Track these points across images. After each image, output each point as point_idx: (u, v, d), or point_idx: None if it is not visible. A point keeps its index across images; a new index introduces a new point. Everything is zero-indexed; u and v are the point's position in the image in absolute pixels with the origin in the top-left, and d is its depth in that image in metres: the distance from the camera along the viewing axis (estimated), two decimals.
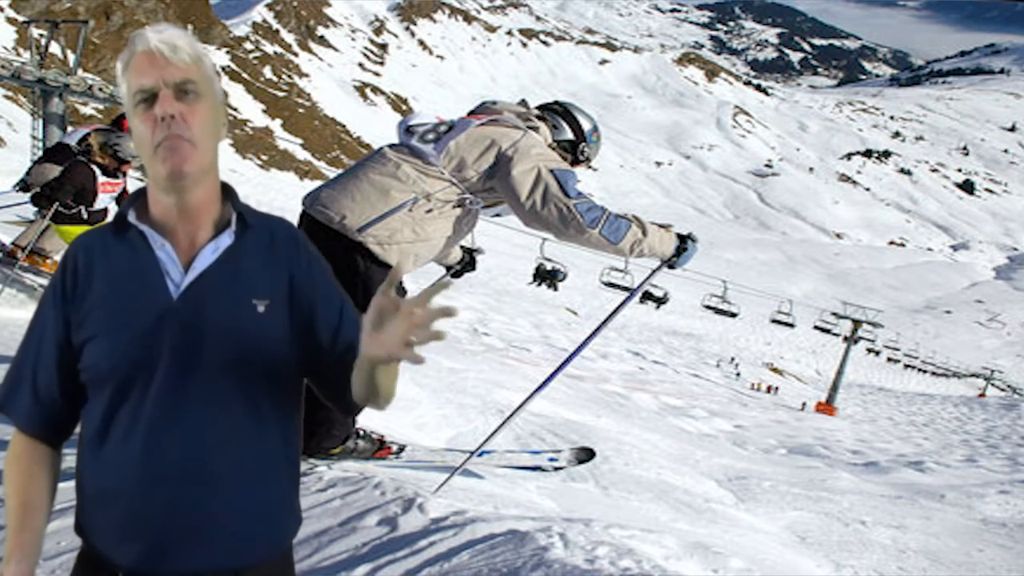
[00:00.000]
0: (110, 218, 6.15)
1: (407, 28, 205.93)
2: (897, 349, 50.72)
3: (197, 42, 1.15)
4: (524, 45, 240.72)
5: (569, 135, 3.25)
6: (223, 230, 1.17)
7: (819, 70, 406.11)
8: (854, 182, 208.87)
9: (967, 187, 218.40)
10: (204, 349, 1.11)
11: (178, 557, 1.11)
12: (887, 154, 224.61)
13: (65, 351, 1.14)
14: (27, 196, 6.40)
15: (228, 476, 1.13)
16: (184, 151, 1.09)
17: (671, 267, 3.18)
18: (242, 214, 1.19)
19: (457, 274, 4.11)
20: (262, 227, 1.21)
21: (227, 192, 1.20)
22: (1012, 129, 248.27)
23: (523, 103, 3.24)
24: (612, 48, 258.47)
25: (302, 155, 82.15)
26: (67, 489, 1.18)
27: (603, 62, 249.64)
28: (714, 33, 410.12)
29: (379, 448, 3.49)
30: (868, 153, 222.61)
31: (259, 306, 1.15)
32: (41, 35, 11.38)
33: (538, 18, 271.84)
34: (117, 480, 1.10)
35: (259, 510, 1.17)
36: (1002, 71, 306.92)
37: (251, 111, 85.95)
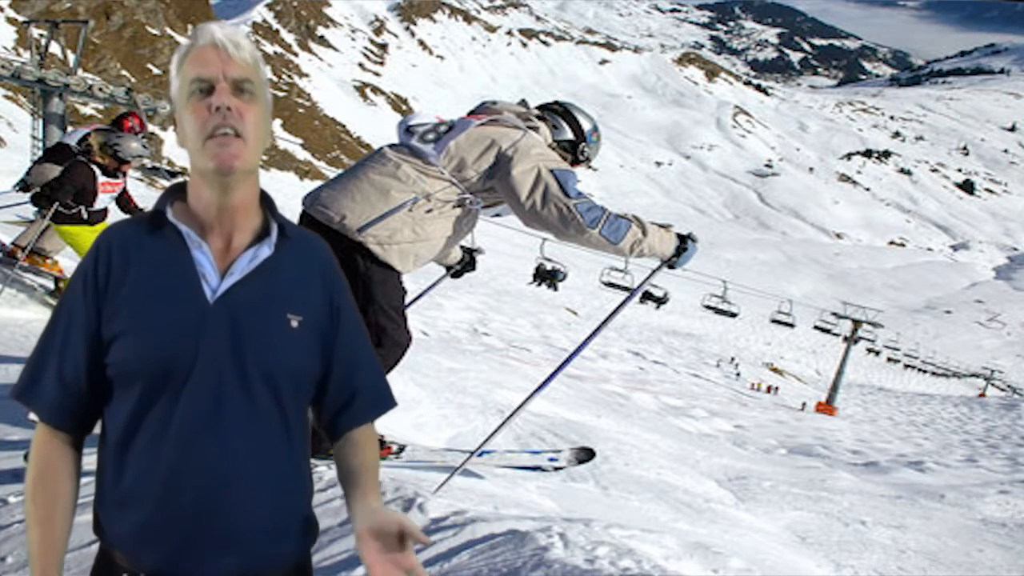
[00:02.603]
0: (110, 218, 6.15)
1: (407, 28, 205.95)
2: (897, 349, 50.73)
3: (256, 49, 1.14)
4: (524, 45, 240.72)
5: (569, 135, 3.24)
6: (262, 239, 1.16)
7: (819, 70, 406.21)
8: (854, 182, 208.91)
9: (967, 187, 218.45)
10: (237, 357, 1.10)
11: (201, 563, 1.11)
12: (887, 154, 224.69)
13: (95, 342, 1.12)
14: (27, 196, 6.40)
15: (255, 485, 1.13)
16: (235, 147, 1.08)
17: (671, 267, 3.17)
18: (283, 226, 1.18)
19: (457, 274, 4.10)
20: (300, 244, 1.21)
21: (266, 201, 1.19)
22: (1012, 129, 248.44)
23: (523, 103, 3.24)
24: (612, 48, 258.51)
25: (302, 155, 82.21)
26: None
27: (603, 62, 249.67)
28: (714, 33, 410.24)
29: (379, 448, 3.49)
30: (868, 153, 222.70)
31: (292, 321, 1.15)
32: (41, 35, 11.38)
33: (538, 18, 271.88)
34: (143, 484, 1.09)
35: (282, 518, 1.17)
36: (1002, 71, 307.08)
37: None
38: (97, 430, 1.18)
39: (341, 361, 1.22)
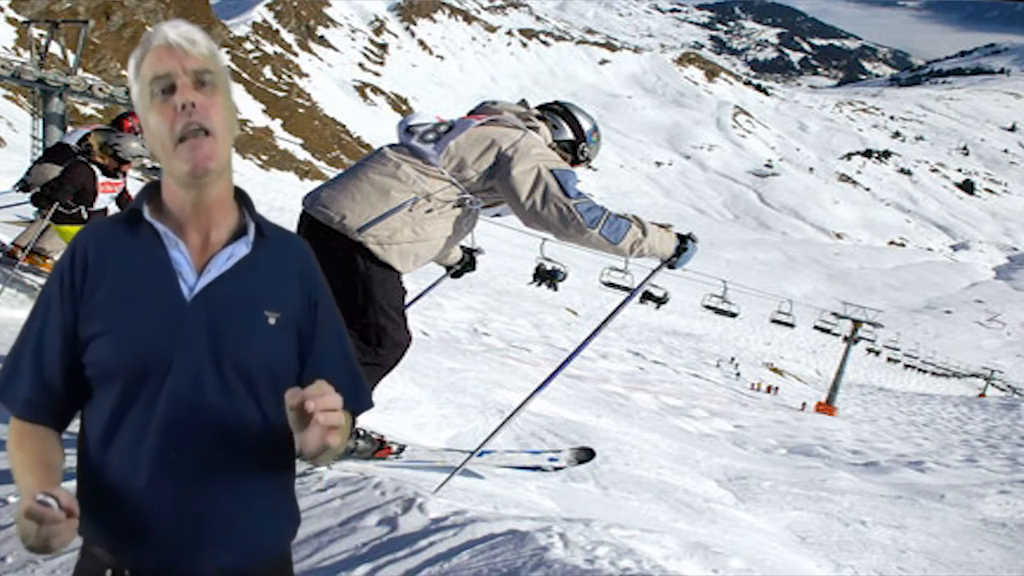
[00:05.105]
0: None
1: (407, 28, 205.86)
2: (897, 349, 50.70)
3: (211, 39, 1.13)
4: (524, 45, 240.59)
5: (569, 135, 3.24)
6: (239, 237, 1.16)
7: (819, 70, 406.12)
8: (854, 182, 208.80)
9: (967, 187, 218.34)
10: (214, 355, 1.11)
11: (185, 558, 1.11)
12: (887, 154, 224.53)
13: (71, 341, 1.12)
14: (27, 196, 6.40)
15: (237, 481, 1.14)
16: (206, 147, 1.08)
17: (671, 267, 3.17)
18: (260, 225, 1.19)
19: (457, 274, 4.10)
20: (278, 242, 1.21)
21: (243, 199, 1.19)
22: (1012, 129, 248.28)
23: (523, 103, 3.24)
24: (612, 48, 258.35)
25: (302, 155, 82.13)
26: (66, 488, 1.17)
27: (603, 62, 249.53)
28: (714, 33, 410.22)
29: (379, 448, 3.50)
30: (868, 153, 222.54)
31: (270, 318, 1.15)
32: (41, 35, 11.39)
33: (538, 18, 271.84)
34: (126, 482, 1.10)
35: (265, 514, 1.18)
36: (1002, 71, 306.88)
37: (251, 111, 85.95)
38: (75, 427, 1.18)
39: (315, 360, 1.22)
